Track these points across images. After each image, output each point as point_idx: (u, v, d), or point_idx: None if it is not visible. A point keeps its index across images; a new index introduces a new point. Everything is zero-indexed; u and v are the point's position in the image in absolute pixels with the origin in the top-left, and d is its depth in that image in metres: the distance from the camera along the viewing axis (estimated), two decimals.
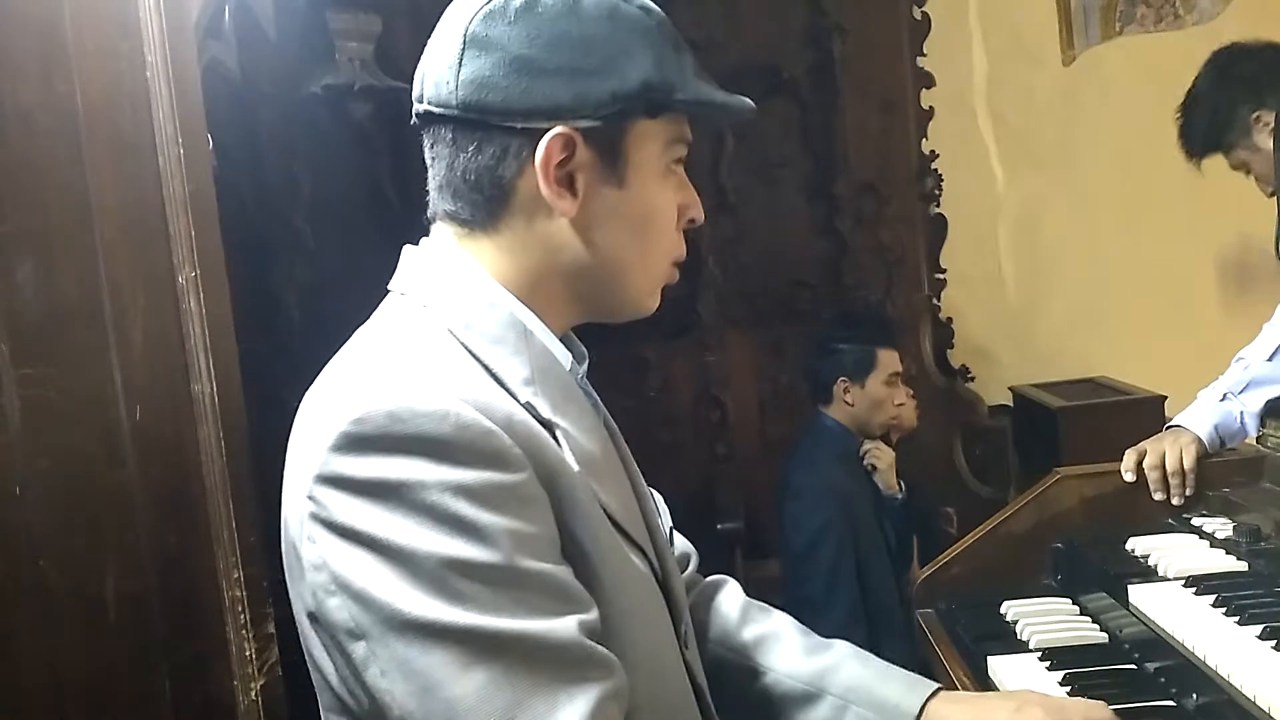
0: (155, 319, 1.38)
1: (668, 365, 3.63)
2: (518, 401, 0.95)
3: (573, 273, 1.01)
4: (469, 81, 0.95)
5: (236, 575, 1.44)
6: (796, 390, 3.53)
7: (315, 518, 0.88)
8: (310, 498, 0.88)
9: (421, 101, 1.00)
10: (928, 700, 1.14)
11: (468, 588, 0.84)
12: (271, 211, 2.52)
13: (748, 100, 1.05)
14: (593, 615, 0.90)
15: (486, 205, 0.99)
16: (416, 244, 1.06)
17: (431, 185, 1.03)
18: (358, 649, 0.86)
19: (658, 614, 1.05)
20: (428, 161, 1.02)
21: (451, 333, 0.97)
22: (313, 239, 2.58)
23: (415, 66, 1.02)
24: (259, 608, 1.46)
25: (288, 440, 0.97)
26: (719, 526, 3.43)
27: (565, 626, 0.87)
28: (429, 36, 1.02)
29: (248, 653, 1.44)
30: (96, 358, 1.32)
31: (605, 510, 0.98)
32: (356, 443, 0.87)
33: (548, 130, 0.95)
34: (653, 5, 1.01)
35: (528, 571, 0.87)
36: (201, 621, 1.42)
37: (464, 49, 0.96)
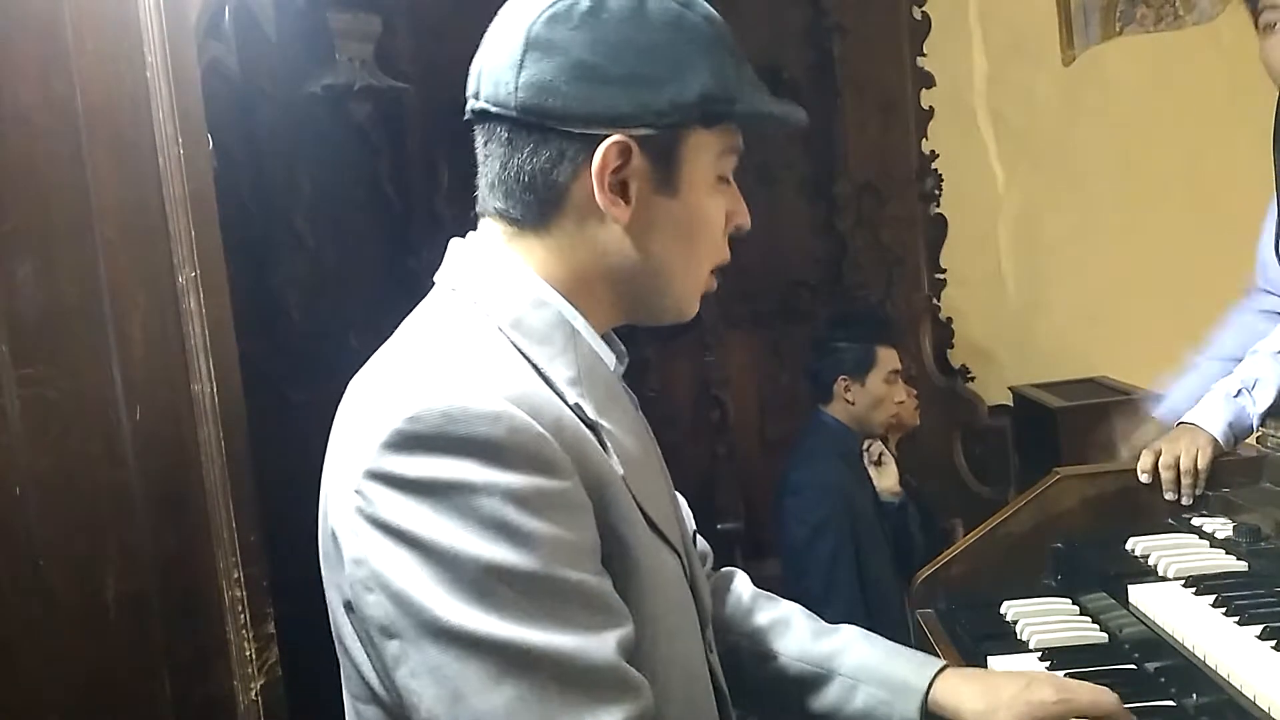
0: (155, 319, 1.38)
1: (668, 365, 3.63)
2: (565, 402, 0.95)
3: (618, 277, 1.01)
4: (530, 84, 0.95)
5: (236, 575, 1.44)
6: (796, 390, 3.52)
7: (361, 513, 0.88)
8: (358, 492, 0.88)
9: (478, 99, 0.99)
10: (935, 676, 1.17)
11: (507, 596, 0.84)
12: (271, 211, 2.52)
13: (800, 110, 1.05)
14: (629, 629, 0.90)
15: (539, 207, 0.99)
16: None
17: (482, 181, 1.02)
18: (391, 647, 0.87)
19: (689, 620, 1.05)
20: (479, 158, 1.02)
21: (500, 330, 0.97)
22: (313, 239, 2.58)
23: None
24: (259, 608, 1.46)
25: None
26: (719, 526, 3.43)
27: (601, 645, 0.87)
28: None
29: (248, 653, 1.44)
30: (96, 358, 1.32)
31: (644, 512, 0.98)
32: (409, 441, 0.86)
33: (606, 137, 0.95)
34: (715, 14, 1.01)
35: (567, 582, 0.87)
36: (201, 621, 1.42)
37: (526, 50, 0.95)
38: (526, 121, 0.96)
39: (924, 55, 3.76)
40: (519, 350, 0.96)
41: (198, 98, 1.45)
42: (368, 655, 0.92)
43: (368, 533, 0.87)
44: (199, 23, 1.47)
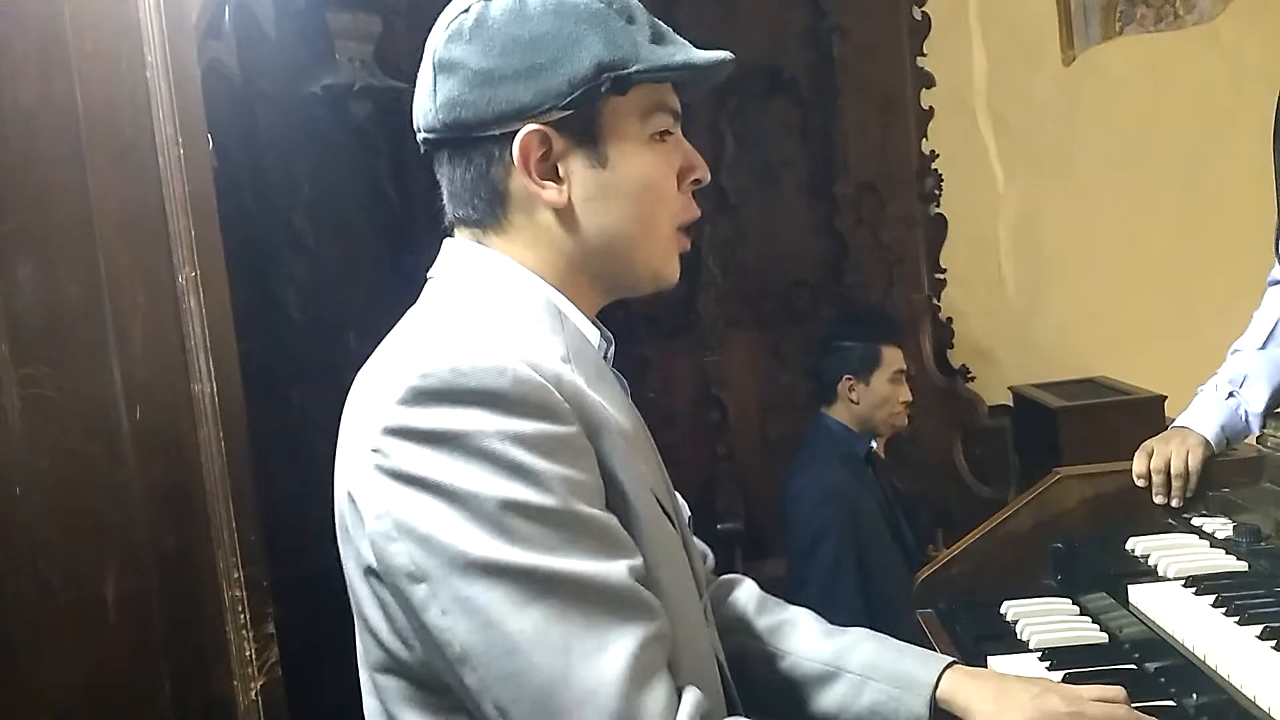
0: (155, 319, 1.39)
1: (668, 365, 3.63)
2: (564, 366, 1.00)
3: (583, 256, 1.07)
4: (444, 104, 1.03)
5: (236, 575, 1.44)
6: (796, 390, 3.52)
7: (380, 468, 0.93)
8: (376, 450, 0.93)
9: (419, 132, 1.08)
10: (943, 672, 1.17)
11: (526, 528, 0.90)
12: (271, 211, 2.51)
13: (720, 53, 1.07)
14: (639, 561, 0.95)
15: (488, 209, 1.06)
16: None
17: (444, 199, 1.10)
18: (418, 591, 0.91)
19: (687, 574, 1.08)
20: (439, 182, 1.10)
21: (495, 312, 1.03)
22: (313, 239, 2.57)
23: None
24: (259, 608, 1.46)
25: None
26: (719, 527, 3.43)
27: (616, 570, 0.92)
28: (428, 36, 1.05)
29: (248, 653, 1.44)
30: (96, 358, 1.32)
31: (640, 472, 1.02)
32: (421, 395, 0.92)
33: (519, 130, 1.02)
34: None
35: (580, 515, 0.92)
36: (201, 621, 1.42)
37: (435, 75, 1.04)
38: (452, 138, 1.05)
39: (924, 55, 3.76)
40: (514, 328, 1.02)
41: (198, 98, 1.45)
42: (388, 616, 0.96)
43: (388, 485, 0.92)
44: (199, 23, 1.47)
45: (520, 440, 0.91)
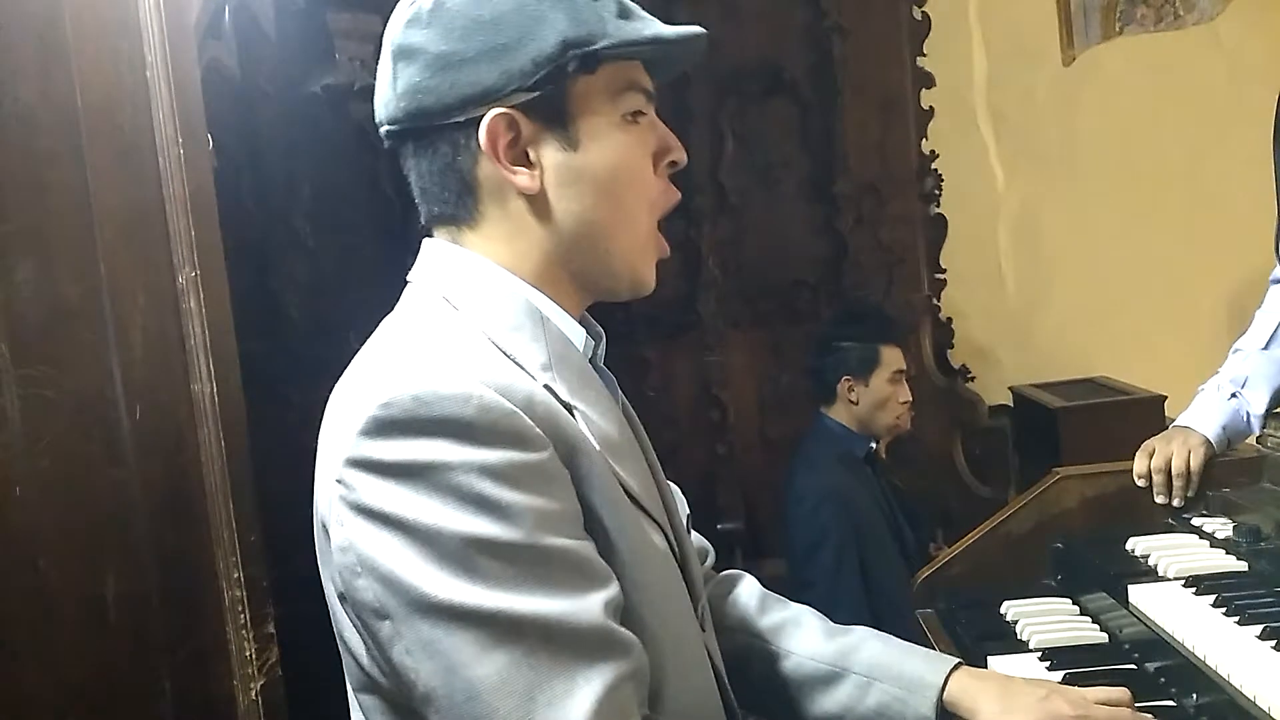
0: (155, 319, 1.38)
1: (668, 365, 3.63)
2: (537, 384, 0.96)
3: (560, 249, 1.02)
4: (405, 92, 0.99)
5: (236, 575, 1.44)
6: (796, 390, 3.52)
7: (344, 500, 0.90)
8: (339, 481, 0.90)
9: (380, 126, 1.03)
10: (950, 673, 1.16)
11: (491, 566, 0.86)
12: (271, 211, 2.52)
13: (690, 28, 1.03)
14: (615, 590, 0.92)
15: (459, 202, 1.02)
16: (415, 243, 1.08)
17: (416, 198, 1.06)
18: (383, 628, 0.89)
19: (677, 591, 1.06)
20: (408, 178, 1.05)
21: (471, 321, 0.99)
22: (313, 239, 2.57)
23: None
24: (259, 608, 1.46)
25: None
26: (719, 526, 3.43)
27: (587, 606, 0.89)
28: (385, 28, 1.03)
29: (248, 653, 1.44)
30: (96, 358, 1.32)
31: (624, 487, 0.99)
32: (384, 426, 0.89)
33: (485, 115, 0.97)
34: None
35: (550, 549, 0.89)
36: (201, 621, 1.42)
37: (394, 64, 1.00)
38: (416, 128, 1.00)
39: (924, 55, 3.76)
40: (489, 339, 0.98)
41: (198, 98, 1.45)
42: (363, 642, 0.94)
43: (351, 519, 0.90)
44: (199, 23, 1.47)
45: (487, 471, 0.87)
